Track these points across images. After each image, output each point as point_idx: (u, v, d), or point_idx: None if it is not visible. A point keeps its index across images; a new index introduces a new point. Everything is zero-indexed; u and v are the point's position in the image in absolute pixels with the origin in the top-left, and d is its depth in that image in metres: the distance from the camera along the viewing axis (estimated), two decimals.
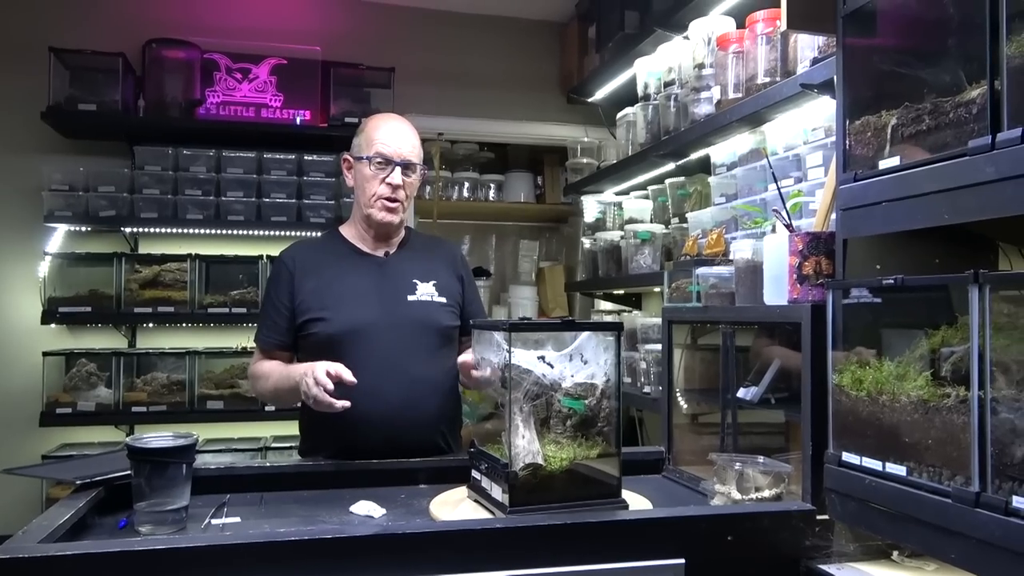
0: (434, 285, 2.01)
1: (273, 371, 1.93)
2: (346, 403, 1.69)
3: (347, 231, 2.08)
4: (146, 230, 3.58)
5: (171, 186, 3.49)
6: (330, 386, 1.69)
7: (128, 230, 3.58)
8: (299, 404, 1.91)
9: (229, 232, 3.62)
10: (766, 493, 1.46)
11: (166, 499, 1.40)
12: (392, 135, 1.96)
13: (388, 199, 1.95)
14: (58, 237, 3.54)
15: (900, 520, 1.17)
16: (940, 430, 1.10)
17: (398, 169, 1.95)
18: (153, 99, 3.51)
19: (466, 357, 1.78)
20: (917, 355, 1.21)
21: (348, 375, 1.71)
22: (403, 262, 2.04)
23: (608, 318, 3.56)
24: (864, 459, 1.25)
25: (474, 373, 1.68)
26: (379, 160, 1.94)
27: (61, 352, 3.41)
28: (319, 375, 1.70)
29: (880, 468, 1.21)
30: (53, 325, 3.41)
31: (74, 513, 1.35)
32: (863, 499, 1.24)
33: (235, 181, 3.54)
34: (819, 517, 1.35)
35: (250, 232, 3.62)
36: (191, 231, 3.59)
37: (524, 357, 1.40)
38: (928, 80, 1.22)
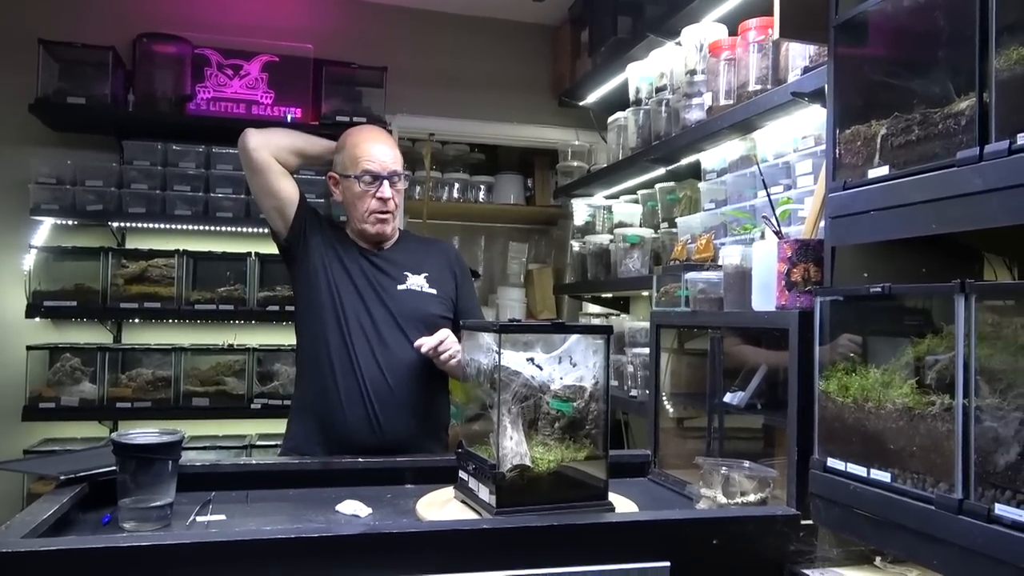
0: (425, 277, 2.09)
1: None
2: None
3: (347, 230, 2.16)
4: (133, 225, 3.55)
5: (160, 181, 3.46)
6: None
7: (115, 225, 3.55)
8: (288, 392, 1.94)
9: (217, 229, 3.59)
10: (751, 497, 1.47)
11: (151, 496, 1.39)
12: (375, 150, 2.04)
13: (380, 212, 2.04)
14: (44, 230, 3.51)
15: (884, 526, 1.18)
16: (924, 437, 1.12)
17: (386, 183, 2.03)
18: (143, 94, 3.48)
19: (422, 339, 1.93)
20: (903, 363, 1.22)
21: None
22: (395, 256, 2.12)
23: (596, 321, 3.57)
24: (849, 465, 1.26)
25: (421, 347, 1.91)
26: (367, 178, 2.02)
27: (45, 346, 3.38)
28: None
29: (865, 474, 1.22)
30: (37, 319, 3.38)
31: (58, 508, 1.34)
32: (847, 505, 1.25)
33: (224, 177, 3.51)
34: (803, 522, 1.36)
35: (238, 229, 3.60)
36: (179, 227, 3.57)
37: (513, 359, 1.40)
38: (918, 91, 1.24)
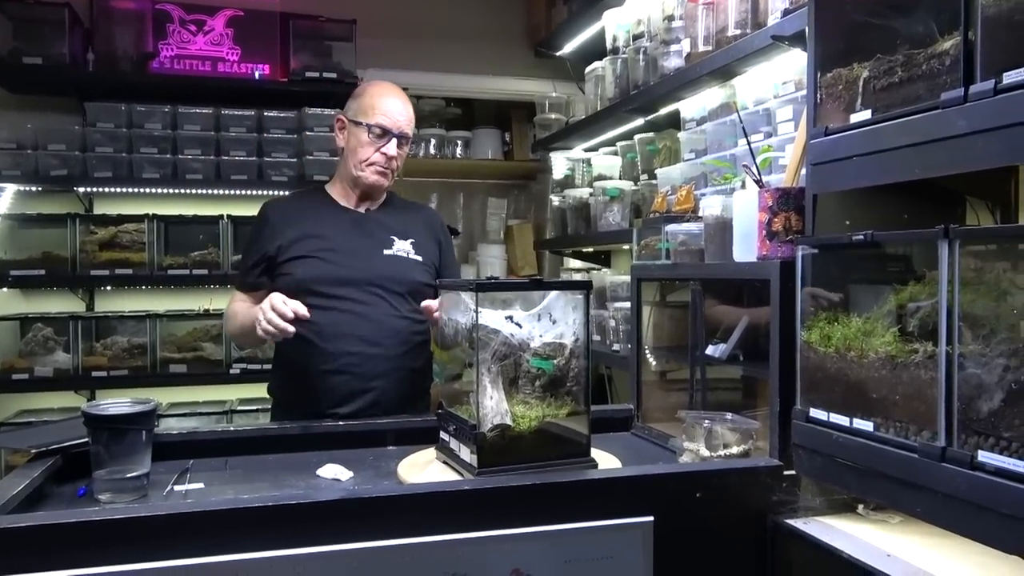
0: (411, 243, 2.06)
1: (241, 309, 1.99)
2: (289, 330, 1.73)
3: (331, 188, 2.12)
4: (101, 190, 3.46)
5: (125, 144, 3.36)
6: (285, 311, 1.72)
7: (82, 190, 3.45)
8: (267, 356, 1.93)
9: (188, 191, 3.51)
10: (734, 450, 1.46)
11: (126, 466, 1.36)
12: (394, 107, 2.02)
13: (381, 167, 2.01)
14: (7, 197, 3.40)
15: (867, 475, 1.18)
16: (907, 386, 1.11)
17: (395, 140, 2.00)
18: (103, 52, 3.35)
19: (431, 302, 1.85)
20: (885, 311, 1.21)
21: (302, 309, 1.75)
22: (382, 219, 2.08)
23: (577, 276, 3.54)
24: (832, 415, 1.25)
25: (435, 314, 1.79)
26: (378, 130, 1.99)
27: (15, 317, 3.31)
28: (275, 301, 1.75)
29: (847, 424, 1.21)
30: (5, 289, 3.31)
31: (30, 482, 1.31)
32: (830, 454, 1.25)
33: (192, 138, 3.42)
34: (786, 472, 1.36)
35: (209, 191, 3.52)
36: (148, 190, 3.48)
37: (492, 317, 1.38)
38: (901, 31, 1.20)
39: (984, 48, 1.02)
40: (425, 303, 1.89)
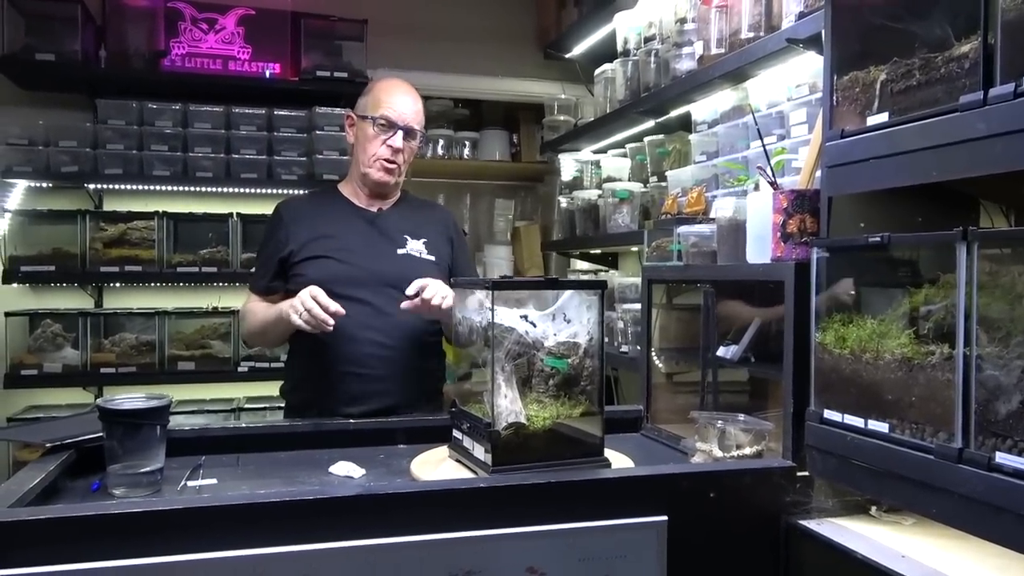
0: (424, 243, 2.05)
1: (259, 308, 2.00)
2: (330, 322, 1.75)
3: (344, 188, 2.12)
4: (111, 186, 3.47)
5: (136, 141, 3.37)
6: (327, 304, 1.75)
7: (92, 186, 3.47)
8: (283, 349, 2.04)
9: (197, 189, 3.52)
10: (747, 451, 1.46)
11: (140, 461, 1.37)
12: (399, 100, 2.01)
13: (387, 160, 2.00)
14: (17, 193, 3.42)
15: (882, 476, 1.18)
16: (923, 387, 1.11)
17: (400, 133, 2.00)
18: (115, 50, 3.37)
19: (418, 282, 1.83)
20: (900, 313, 1.21)
21: (341, 310, 1.76)
22: (395, 218, 2.08)
23: (584, 277, 3.55)
24: (846, 416, 1.25)
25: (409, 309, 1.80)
26: (383, 123, 1.99)
27: (24, 312, 3.32)
28: (316, 292, 1.77)
29: (862, 425, 1.21)
30: (15, 285, 3.31)
31: (45, 476, 1.32)
32: (844, 456, 1.25)
33: (203, 136, 3.43)
34: (800, 474, 1.36)
35: (219, 189, 3.53)
36: (158, 188, 3.49)
37: (506, 316, 1.38)
38: (919, 34, 1.20)
39: (1004, 51, 1.02)
40: (403, 304, 1.81)
